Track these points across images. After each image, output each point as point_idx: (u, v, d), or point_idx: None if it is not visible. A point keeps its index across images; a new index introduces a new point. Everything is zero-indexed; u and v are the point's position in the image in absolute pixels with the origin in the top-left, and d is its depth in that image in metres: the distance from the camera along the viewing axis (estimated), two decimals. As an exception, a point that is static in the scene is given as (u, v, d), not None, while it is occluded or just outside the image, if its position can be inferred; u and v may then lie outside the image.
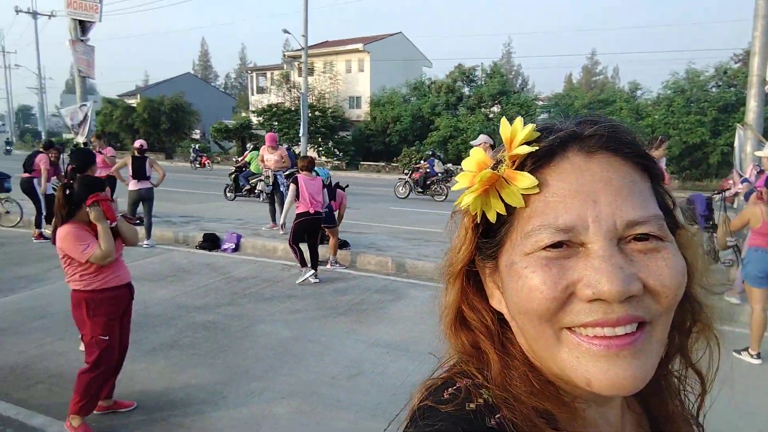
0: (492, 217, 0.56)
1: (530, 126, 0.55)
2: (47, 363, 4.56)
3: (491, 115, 30.19)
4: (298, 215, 6.99)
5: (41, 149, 9.75)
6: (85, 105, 11.17)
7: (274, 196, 9.97)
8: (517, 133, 0.55)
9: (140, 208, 9.07)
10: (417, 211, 14.34)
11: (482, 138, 7.94)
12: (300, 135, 30.17)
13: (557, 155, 0.54)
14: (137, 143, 9.33)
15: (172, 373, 4.45)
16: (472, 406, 0.54)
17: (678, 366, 0.67)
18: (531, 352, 0.58)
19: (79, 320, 3.61)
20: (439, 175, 17.06)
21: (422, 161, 19.33)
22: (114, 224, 3.68)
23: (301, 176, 7.07)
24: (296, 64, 35.45)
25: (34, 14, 36.56)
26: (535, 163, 0.54)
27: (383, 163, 31.19)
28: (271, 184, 10.04)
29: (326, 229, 7.75)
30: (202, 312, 5.90)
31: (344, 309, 6.12)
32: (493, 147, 7.83)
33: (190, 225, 10.11)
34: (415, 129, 30.67)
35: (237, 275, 7.41)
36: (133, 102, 41.65)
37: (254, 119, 35.82)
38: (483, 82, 31.84)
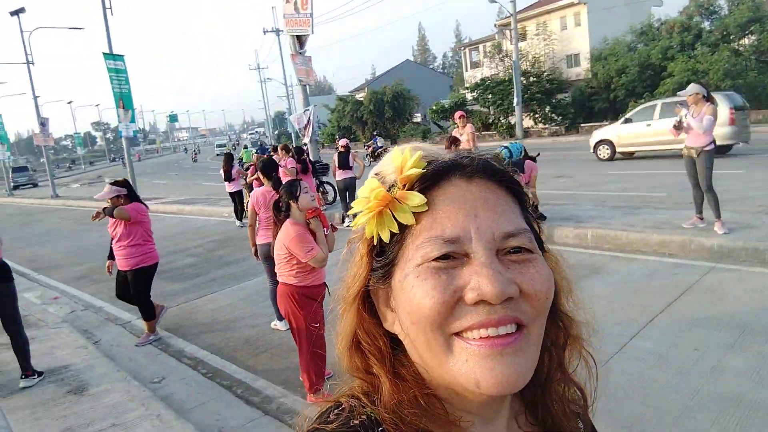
0: (386, 237, 0.61)
1: (419, 153, 0.63)
2: (272, 336, 5.50)
3: (741, 49, 25.49)
4: None
5: (272, 153, 11.50)
6: (307, 110, 12.73)
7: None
8: (407, 160, 0.62)
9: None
10: (640, 173, 13.05)
11: (693, 88, 6.83)
12: (514, 105, 29.67)
13: (442, 179, 0.62)
14: (342, 142, 10.75)
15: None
16: (356, 422, 0.59)
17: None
18: (424, 365, 0.61)
19: (286, 310, 4.09)
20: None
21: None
22: (328, 232, 4.20)
23: None
24: (507, 31, 34.67)
25: (277, 32, 42.23)
26: (423, 185, 0.61)
27: (607, 123, 28.77)
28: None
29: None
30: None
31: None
32: (707, 99, 6.74)
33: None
34: (644, 79, 27.43)
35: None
36: (361, 96, 45.52)
37: (468, 95, 36.15)
38: (728, 12, 27.02)
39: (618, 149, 16.04)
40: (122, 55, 20.05)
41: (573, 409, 0.72)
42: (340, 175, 10.40)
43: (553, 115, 31.72)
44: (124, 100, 19.40)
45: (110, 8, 20.08)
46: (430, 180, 0.61)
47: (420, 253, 0.58)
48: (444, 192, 0.61)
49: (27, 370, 4.60)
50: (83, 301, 7.72)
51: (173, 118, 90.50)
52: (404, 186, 0.61)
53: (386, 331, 0.65)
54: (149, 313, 5.71)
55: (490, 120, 34.37)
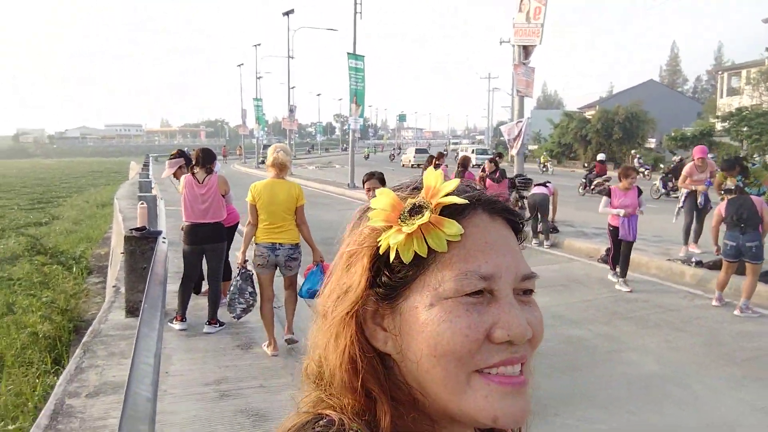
0: (407, 258, 0.58)
1: (457, 180, 0.63)
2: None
3: None
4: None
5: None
6: (520, 122, 12.37)
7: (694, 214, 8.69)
8: (443, 184, 0.61)
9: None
10: None
11: None
12: (775, 142, 25.07)
13: (468, 210, 0.61)
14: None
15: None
16: None
17: None
18: (424, 391, 0.59)
19: None
20: None
21: None
22: None
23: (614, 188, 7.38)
24: (782, 56, 29.35)
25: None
26: (452, 213, 0.59)
27: None
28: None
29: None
30: (574, 326, 5.83)
31: (744, 357, 4.97)
32: None
33: (600, 237, 9.92)
34: None
35: (628, 295, 6.92)
36: (590, 114, 42.92)
37: (718, 125, 31.62)
38: None
39: None
40: (363, 56, 21.91)
41: None
42: (532, 191, 10.23)
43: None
44: (357, 96, 21.18)
45: (360, 12, 21.99)
46: (458, 210, 0.60)
47: (453, 286, 0.57)
48: (472, 223, 0.60)
49: (212, 318, 5.24)
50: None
51: (402, 117, 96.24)
52: (435, 210, 0.60)
53: (375, 349, 0.62)
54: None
55: (741, 154, 29.65)
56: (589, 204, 15.36)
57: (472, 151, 46.83)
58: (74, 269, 11.75)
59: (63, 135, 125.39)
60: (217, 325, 5.23)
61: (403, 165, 39.11)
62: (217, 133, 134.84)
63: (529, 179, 11.79)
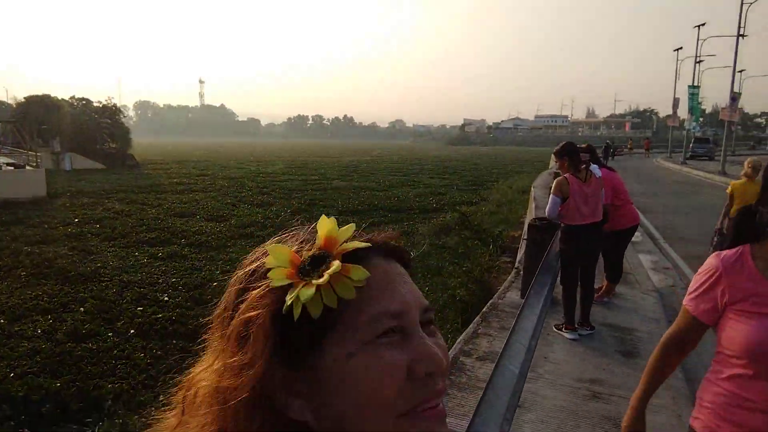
0: (317, 313, 0.55)
1: (352, 225, 0.62)
2: None
3: None
4: None
5: None
6: None
7: None
8: (339, 230, 0.60)
9: None
10: None
11: None
12: None
13: (365, 253, 0.60)
14: None
15: None
16: None
17: None
18: None
19: None
20: None
21: None
22: None
23: None
24: None
25: None
26: (351, 259, 0.58)
27: None
28: None
29: None
30: None
31: None
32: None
33: None
34: None
35: None
36: None
37: None
38: None
39: None
40: None
41: None
42: None
43: None
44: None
45: None
46: (359, 255, 0.59)
47: (367, 330, 0.56)
48: (371, 266, 0.58)
49: (584, 322, 5.08)
50: (687, 281, 7.76)
51: None
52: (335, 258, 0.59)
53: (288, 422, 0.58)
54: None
55: None
56: None
57: None
58: (491, 246, 13.32)
59: (499, 126, 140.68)
60: (588, 329, 5.07)
61: None
62: (644, 124, 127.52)
63: None
